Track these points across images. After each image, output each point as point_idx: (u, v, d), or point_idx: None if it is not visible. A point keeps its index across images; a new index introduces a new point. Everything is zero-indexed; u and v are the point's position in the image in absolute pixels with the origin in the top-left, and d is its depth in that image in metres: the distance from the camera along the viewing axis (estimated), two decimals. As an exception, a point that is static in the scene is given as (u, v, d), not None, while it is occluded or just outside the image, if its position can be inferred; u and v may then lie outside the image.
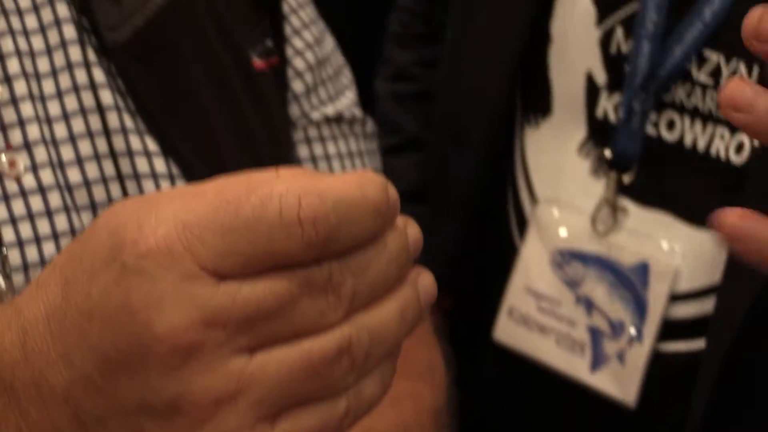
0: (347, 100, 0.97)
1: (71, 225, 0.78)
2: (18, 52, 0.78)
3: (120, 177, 0.80)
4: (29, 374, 0.56)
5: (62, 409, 0.56)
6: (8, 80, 0.78)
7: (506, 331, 0.99)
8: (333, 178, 0.54)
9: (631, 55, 0.92)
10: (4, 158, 0.77)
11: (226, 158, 0.84)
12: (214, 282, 0.52)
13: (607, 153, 0.94)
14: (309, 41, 0.95)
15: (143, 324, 0.53)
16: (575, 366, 0.95)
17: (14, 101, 0.78)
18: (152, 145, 0.82)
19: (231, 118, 0.86)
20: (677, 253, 0.91)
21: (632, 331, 0.92)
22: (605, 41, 0.94)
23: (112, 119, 0.80)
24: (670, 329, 0.91)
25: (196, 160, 0.83)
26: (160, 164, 0.81)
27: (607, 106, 0.94)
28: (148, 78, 0.82)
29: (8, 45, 0.78)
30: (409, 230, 0.57)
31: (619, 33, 0.93)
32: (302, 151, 0.93)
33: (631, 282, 0.93)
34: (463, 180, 1.01)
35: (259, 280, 0.53)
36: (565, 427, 0.98)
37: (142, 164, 0.81)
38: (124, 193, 0.80)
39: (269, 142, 0.88)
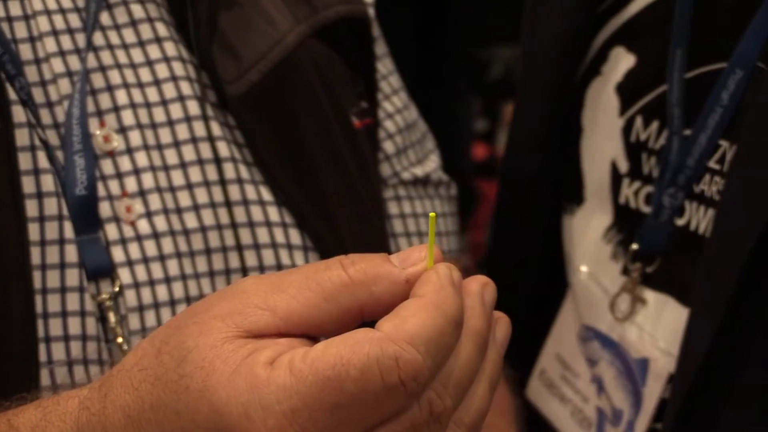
0: (433, 164, 1.03)
1: (182, 270, 0.84)
2: (133, 105, 0.85)
3: (234, 225, 0.85)
4: None
5: None
6: (123, 131, 0.84)
7: (535, 392, 1.03)
8: (413, 310, 0.58)
9: (663, 151, 0.92)
10: (121, 204, 0.83)
11: (333, 209, 0.90)
12: None
13: (634, 246, 0.95)
14: (398, 106, 1.01)
15: None
16: (581, 441, 0.99)
17: (129, 151, 0.84)
18: (267, 195, 0.87)
19: (336, 171, 0.91)
20: (674, 355, 0.92)
21: (626, 423, 0.95)
22: (627, 130, 0.95)
23: (228, 170, 0.86)
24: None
25: (309, 211, 0.88)
26: (273, 213, 0.87)
27: (628, 193, 0.95)
28: (264, 130, 0.88)
29: (123, 97, 0.85)
30: (486, 295, 0.62)
31: (638, 122, 0.94)
32: (392, 208, 0.99)
33: (633, 375, 0.95)
34: (518, 253, 1.06)
35: None
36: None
37: (256, 213, 0.87)
38: (237, 240, 0.85)
39: (368, 197, 0.94)
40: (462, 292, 0.61)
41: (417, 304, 0.58)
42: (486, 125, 3.43)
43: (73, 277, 0.79)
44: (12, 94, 0.80)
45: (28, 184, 0.79)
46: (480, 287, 0.62)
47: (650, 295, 0.94)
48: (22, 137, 0.79)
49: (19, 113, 0.80)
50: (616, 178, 0.96)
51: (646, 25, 0.94)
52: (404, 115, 1.01)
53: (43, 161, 0.80)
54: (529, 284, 1.04)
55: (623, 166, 0.95)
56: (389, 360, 0.55)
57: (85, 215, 0.81)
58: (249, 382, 0.56)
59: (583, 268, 1.00)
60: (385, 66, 1.01)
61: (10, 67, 0.81)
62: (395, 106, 1.00)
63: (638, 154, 0.94)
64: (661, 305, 0.93)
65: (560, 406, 1.01)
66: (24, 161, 0.79)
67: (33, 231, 0.78)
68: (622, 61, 0.95)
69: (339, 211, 0.90)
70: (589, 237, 0.98)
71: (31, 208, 0.79)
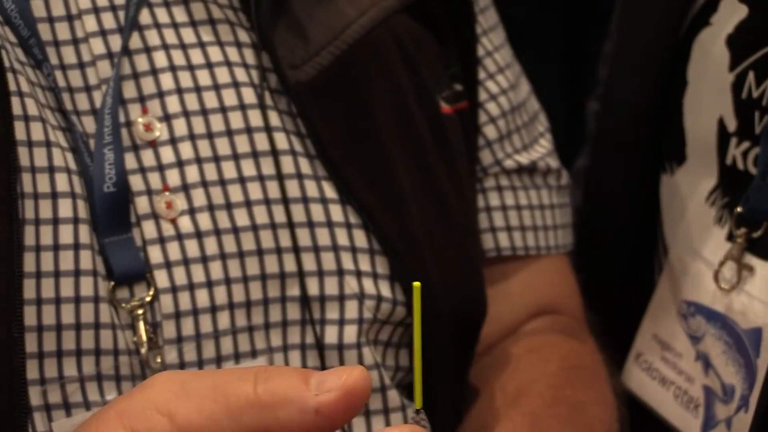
0: (542, 149, 0.94)
1: (226, 273, 0.76)
2: (179, 90, 0.77)
3: (291, 224, 0.77)
4: None
5: None
6: (168, 119, 0.76)
7: (632, 377, 0.97)
8: None
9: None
10: (161, 200, 0.75)
11: (409, 208, 0.81)
12: None
13: (739, 209, 0.89)
14: (504, 86, 0.91)
15: None
16: (688, 424, 0.91)
17: (173, 141, 0.76)
18: (330, 192, 0.79)
19: (415, 165, 0.82)
20: (791, 322, 0.86)
21: (740, 398, 0.88)
22: (737, 86, 0.89)
23: (287, 163, 0.78)
24: None
25: (378, 210, 0.80)
26: (337, 212, 0.79)
27: (736, 153, 0.89)
28: (330, 120, 0.79)
29: (168, 82, 0.77)
30: None
31: (751, 77, 0.88)
32: (493, 199, 0.91)
33: (745, 347, 0.89)
34: (612, 225, 1.00)
35: None
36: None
37: (317, 212, 0.78)
38: (294, 240, 0.77)
39: (453, 190, 0.85)
40: None
41: None
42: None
43: (87, 285, 0.72)
44: (24, 86, 0.73)
45: (42, 183, 0.72)
46: None
47: (757, 263, 0.88)
48: (36, 131, 0.72)
49: (31, 105, 0.72)
50: (723, 137, 0.90)
51: None
52: (510, 96, 0.92)
53: (58, 158, 0.72)
54: (624, 253, 0.98)
55: (732, 125, 0.89)
56: None
57: (115, 214, 0.73)
58: None
59: (680, 243, 0.94)
60: (491, 41, 0.91)
61: (37, 51, 0.74)
62: (500, 86, 0.91)
63: (750, 112, 0.88)
64: None
65: (662, 389, 0.94)
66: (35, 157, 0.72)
67: (45, 234, 0.71)
68: (733, 12, 0.89)
69: (416, 211, 0.81)
70: (690, 199, 0.93)
71: (44, 209, 0.71)
